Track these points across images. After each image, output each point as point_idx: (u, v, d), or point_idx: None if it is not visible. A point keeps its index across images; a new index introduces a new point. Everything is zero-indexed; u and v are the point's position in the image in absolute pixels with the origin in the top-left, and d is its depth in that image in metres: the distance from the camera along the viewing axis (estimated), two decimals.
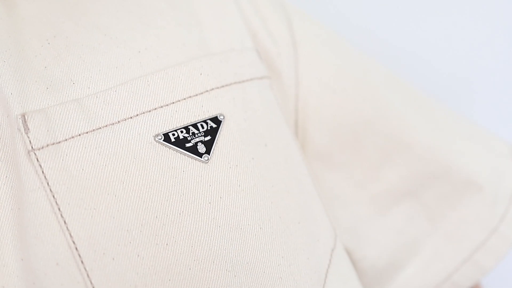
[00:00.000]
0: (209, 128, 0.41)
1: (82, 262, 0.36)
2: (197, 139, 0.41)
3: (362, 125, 0.51)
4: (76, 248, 0.36)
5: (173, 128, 0.40)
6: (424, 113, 0.54)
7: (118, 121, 0.39)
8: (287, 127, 0.47)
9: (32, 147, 0.37)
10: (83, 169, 0.38)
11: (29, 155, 0.37)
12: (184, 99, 0.41)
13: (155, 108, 0.40)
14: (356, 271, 0.55)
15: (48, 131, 0.38)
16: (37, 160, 0.37)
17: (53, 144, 0.38)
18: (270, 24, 0.50)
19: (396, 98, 0.54)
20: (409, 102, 0.54)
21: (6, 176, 0.37)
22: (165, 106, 0.41)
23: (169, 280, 0.37)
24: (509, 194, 0.57)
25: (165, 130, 0.40)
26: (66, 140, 0.38)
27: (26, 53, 0.41)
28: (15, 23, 0.42)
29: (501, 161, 0.57)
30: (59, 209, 0.37)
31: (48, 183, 0.37)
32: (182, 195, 0.39)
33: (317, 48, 0.51)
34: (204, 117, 0.42)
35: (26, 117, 0.38)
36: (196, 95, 0.42)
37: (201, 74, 0.42)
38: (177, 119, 0.41)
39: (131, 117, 0.40)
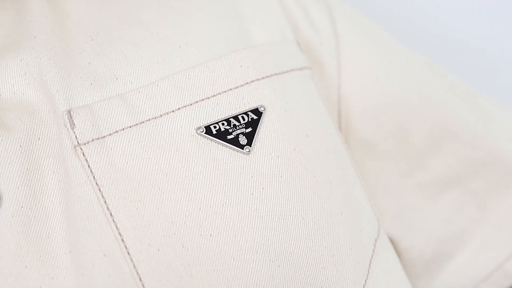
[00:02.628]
0: (250, 120, 0.42)
1: (128, 253, 0.37)
2: (239, 131, 0.41)
3: (407, 113, 0.51)
4: (122, 240, 0.37)
5: (214, 121, 0.41)
6: (468, 101, 0.54)
7: (161, 115, 0.40)
8: (330, 117, 0.47)
9: (78, 142, 0.38)
10: (127, 163, 0.38)
11: (76, 150, 0.38)
12: (225, 91, 0.42)
13: (197, 101, 0.41)
14: (404, 260, 0.55)
15: (93, 126, 0.39)
16: (83, 154, 0.38)
17: (98, 138, 0.39)
18: (311, 14, 0.50)
19: (440, 86, 0.53)
20: (453, 90, 0.53)
21: (54, 171, 0.39)
22: (206, 99, 0.41)
23: (214, 270, 0.38)
24: None
25: (206, 123, 0.41)
26: (110, 134, 0.39)
27: (71, 49, 0.42)
28: (59, 20, 0.43)
29: None
30: (105, 202, 0.38)
31: (94, 177, 0.38)
32: (224, 186, 0.39)
33: (358, 37, 0.51)
34: (245, 109, 0.42)
35: (71, 113, 0.39)
36: (237, 87, 0.42)
37: (241, 66, 0.43)
38: (218, 111, 0.41)
39: (173, 111, 0.40)
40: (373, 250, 0.45)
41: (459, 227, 0.55)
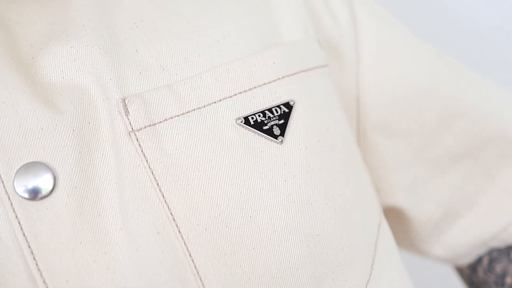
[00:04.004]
0: (282, 112, 0.46)
1: (179, 231, 0.41)
2: (273, 122, 0.45)
3: (419, 96, 0.56)
4: (174, 219, 0.41)
5: (252, 112, 0.45)
6: (473, 84, 0.60)
7: (204, 106, 0.44)
8: (342, 112, 0.52)
9: (132, 129, 0.41)
10: (176, 149, 0.42)
11: (130, 136, 0.41)
12: (260, 85, 0.46)
13: (236, 94, 0.45)
14: (414, 224, 0.61)
15: (145, 113, 0.42)
16: (137, 140, 0.41)
17: (150, 125, 0.42)
18: (332, 6, 0.54)
19: (448, 72, 0.59)
20: (458, 75, 0.59)
21: (103, 154, 0.42)
22: (244, 92, 0.45)
23: (253, 248, 0.42)
24: None
25: (245, 114, 0.44)
26: (161, 122, 0.42)
27: (117, 36, 0.44)
28: (104, 6, 0.46)
29: None
30: (157, 184, 0.41)
31: (147, 161, 0.41)
32: (262, 173, 0.43)
33: (376, 25, 0.56)
34: (277, 102, 0.46)
35: (126, 101, 0.42)
36: (270, 82, 0.46)
37: (274, 63, 0.47)
38: (254, 104, 0.45)
39: (215, 102, 0.44)
40: (377, 234, 0.50)
41: (468, 193, 0.61)
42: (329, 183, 0.46)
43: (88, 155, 0.41)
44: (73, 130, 0.41)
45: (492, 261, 0.63)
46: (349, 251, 0.46)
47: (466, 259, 0.66)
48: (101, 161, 0.42)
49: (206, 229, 0.41)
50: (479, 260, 0.65)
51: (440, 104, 0.57)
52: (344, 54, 0.54)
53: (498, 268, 0.63)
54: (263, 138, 0.45)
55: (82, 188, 0.41)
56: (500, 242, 0.62)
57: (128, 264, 0.40)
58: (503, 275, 0.63)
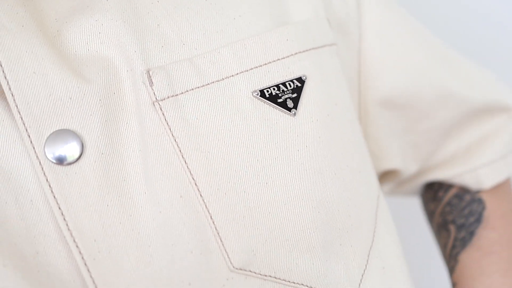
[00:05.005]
0: (295, 86, 0.48)
1: (201, 195, 0.43)
2: (286, 95, 0.48)
3: (418, 74, 0.60)
4: (196, 184, 0.43)
5: (267, 86, 0.47)
6: (462, 64, 0.65)
7: (223, 78, 0.46)
8: (347, 89, 0.55)
9: (156, 99, 0.44)
10: (197, 118, 0.44)
11: (154, 105, 0.44)
12: (274, 61, 0.48)
13: (252, 68, 0.47)
14: (398, 177, 0.67)
15: (168, 85, 0.44)
16: (161, 109, 0.44)
17: (173, 96, 0.44)
18: None
19: (441, 53, 0.63)
20: (450, 57, 0.64)
21: (127, 123, 0.43)
22: (259, 66, 0.47)
23: (269, 213, 0.44)
24: None
25: (260, 87, 0.47)
26: (182, 93, 0.44)
27: (139, 10, 0.46)
28: None
29: None
30: (180, 151, 0.43)
31: (170, 129, 0.43)
32: (276, 143, 0.46)
33: (379, 7, 0.59)
34: (291, 77, 0.48)
35: (150, 73, 0.44)
36: (284, 58, 0.49)
37: (287, 40, 0.49)
38: (269, 78, 0.48)
39: (232, 75, 0.46)
40: (377, 205, 0.53)
41: (440, 146, 0.67)
42: (338, 155, 0.49)
43: (113, 124, 0.44)
44: (100, 99, 0.43)
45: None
46: (355, 219, 0.49)
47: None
48: (125, 129, 0.44)
49: (225, 193, 0.44)
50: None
51: (438, 81, 0.61)
52: (350, 32, 0.57)
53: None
54: (278, 111, 0.47)
55: (108, 155, 0.43)
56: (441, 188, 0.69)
57: (152, 226, 0.42)
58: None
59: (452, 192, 0.68)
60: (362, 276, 0.49)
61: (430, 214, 0.71)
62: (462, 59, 0.66)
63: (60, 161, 0.42)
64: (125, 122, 0.44)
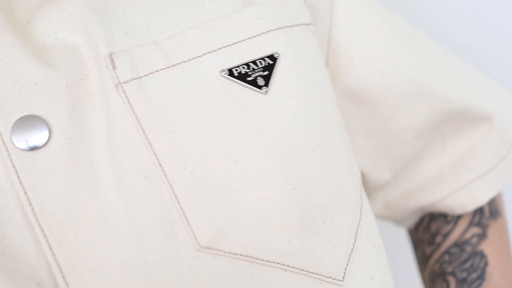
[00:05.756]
0: (266, 64, 0.48)
1: (165, 175, 0.43)
2: (257, 73, 0.47)
3: (389, 68, 0.58)
4: (160, 164, 0.43)
5: (236, 65, 0.47)
6: (441, 63, 0.62)
7: (189, 59, 0.46)
8: (326, 71, 0.53)
9: (119, 81, 0.44)
10: (162, 99, 0.44)
11: (117, 88, 0.44)
12: (245, 40, 0.48)
13: (220, 48, 0.47)
14: (370, 186, 0.64)
15: (131, 67, 0.44)
16: (124, 92, 0.44)
17: (136, 78, 0.44)
18: None
19: (421, 50, 0.60)
20: (431, 54, 0.61)
21: (95, 108, 0.44)
22: (228, 46, 0.47)
23: (239, 190, 0.44)
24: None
25: (229, 66, 0.46)
26: (147, 75, 0.44)
27: None
28: None
29: (508, 109, 0.65)
30: (143, 132, 0.43)
31: (134, 111, 0.43)
32: (246, 120, 0.45)
33: None
34: (262, 55, 0.48)
35: (113, 56, 0.44)
36: (255, 36, 0.48)
37: (258, 18, 0.48)
38: (239, 57, 0.47)
39: (199, 56, 0.46)
40: (360, 185, 0.52)
41: (419, 160, 0.64)
42: (316, 131, 0.48)
43: (81, 109, 0.44)
44: (66, 85, 0.44)
45: (431, 220, 0.67)
46: (338, 196, 0.47)
47: (408, 222, 0.69)
48: (93, 115, 0.44)
49: (191, 172, 0.43)
50: (421, 220, 0.68)
51: (409, 77, 0.58)
52: (319, 20, 0.56)
53: (433, 227, 0.66)
54: (247, 89, 0.46)
55: (76, 139, 0.43)
56: (437, 210, 0.65)
57: (119, 208, 0.42)
58: (435, 234, 0.65)
59: (451, 239, 0.64)
60: (350, 255, 0.47)
61: (424, 257, 0.67)
62: (449, 59, 0.63)
63: (28, 146, 0.43)
64: (93, 108, 0.44)
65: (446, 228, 0.65)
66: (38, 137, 0.43)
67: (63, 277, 0.41)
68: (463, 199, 0.63)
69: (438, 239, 0.65)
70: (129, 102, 0.44)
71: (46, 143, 0.43)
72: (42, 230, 0.41)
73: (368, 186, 0.64)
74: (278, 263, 0.44)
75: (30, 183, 0.42)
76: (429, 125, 0.61)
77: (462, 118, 0.61)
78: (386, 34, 0.58)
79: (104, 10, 0.46)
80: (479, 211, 0.65)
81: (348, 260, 0.47)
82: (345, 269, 0.47)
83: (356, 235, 0.48)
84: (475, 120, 0.62)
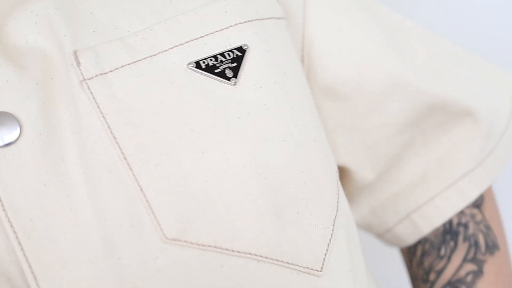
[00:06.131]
0: (235, 56, 0.47)
1: (130, 169, 0.42)
2: (225, 65, 0.47)
3: (365, 61, 0.56)
4: (125, 158, 0.42)
5: (203, 57, 0.46)
6: (424, 54, 0.59)
7: (155, 54, 0.45)
8: (300, 64, 0.53)
9: (83, 78, 0.44)
10: (127, 94, 0.44)
11: (82, 85, 0.44)
12: (212, 33, 0.47)
13: (187, 42, 0.46)
14: (350, 186, 0.62)
15: (96, 64, 0.44)
16: (88, 88, 0.44)
17: (101, 74, 0.44)
18: None
19: (397, 41, 0.58)
20: (408, 45, 0.59)
21: (66, 106, 0.44)
22: (195, 39, 0.47)
23: (207, 181, 0.43)
24: (501, 131, 0.61)
25: (196, 59, 0.46)
26: (112, 71, 0.44)
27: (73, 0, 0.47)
28: None
29: (499, 101, 0.62)
30: (109, 127, 0.43)
31: (98, 106, 0.43)
32: (214, 111, 0.45)
33: None
34: (230, 47, 0.47)
35: (77, 53, 0.44)
36: (222, 29, 0.48)
37: (225, 12, 0.48)
38: (206, 50, 0.47)
39: (166, 50, 0.46)
40: (337, 177, 0.50)
41: (404, 159, 0.61)
42: (288, 122, 0.47)
43: (51, 107, 0.44)
44: (37, 83, 0.44)
45: (423, 254, 0.63)
46: (313, 186, 0.46)
47: (398, 236, 0.65)
48: (63, 112, 0.44)
49: (157, 165, 0.43)
50: (413, 251, 0.64)
51: (386, 71, 0.57)
52: (292, 15, 0.55)
53: (426, 262, 0.62)
54: (215, 80, 0.46)
55: (47, 136, 0.43)
56: (424, 218, 0.62)
57: (88, 203, 0.42)
58: (429, 271, 0.62)
59: (445, 277, 0.61)
60: (328, 245, 0.46)
61: None
62: (436, 50, 0.60)
63: (3, 144, 0.43)
64: (63, 106, 0.44)
65: (440, 265, 0.61)
66: (9, 133, 0.43)
67: (32, 272, 0.41)
68: (452, 197, 0.61)
69: (432, 276, 0.62)
70: (93, 98, 0.44)
71: (17, 139, 0.43)
72: (12, 226, 0.41)
73: (352, 187, 0.62)
74: (250, 253, 0.43)
75: (0, 179, 0.42)
76: (409, 121, 0.59)
77: (443, 112, 0.59)
78: (362, 27, 0.57)
79: (71, 10, 0.47)
80: (474, 245, 0.61)
81: (326, 250, 0.46)
82: (323, 259, 0.45)
83: (333, 226, 0.47)
84: (458, 115, 0.60)
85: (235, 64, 0.47)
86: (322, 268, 0.45)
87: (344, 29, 0.56)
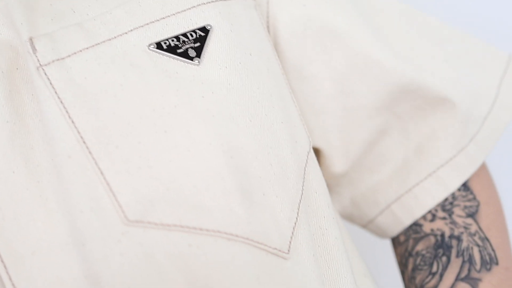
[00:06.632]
0: (198, 36, 0.46)
1: (90, 152, 0.41)
2: (188, 45, 0.45)
3: (332, 39, 0.54)
4: (84, 142, 0.41)
5: (164, 38, 0.45)
6: (401, 34, 0.57)
7: (115, 37, 0.44)
8: (269, 43, 0.51)
9: (40, 64, 0.43)
10: (85, 78, 0.43)
11: (38, 71, 0.42)
12: (174, 14, 0.46)
13: (147, 23, 0.45)
14: (326, 173, 0.59)
15: (53, 49, 0.43)
16: (45, 74, 0.42)
17: (58, 60, 0.43)
18: None
19: (375, 18, 0.56)
20: (387, 23, 0.57)
21: (33, 94, 0.43)
22: (156, 21, 0.45)
23: (170, 161, 0.41)
24: (483, 116, 0.58)
25: (157, 40, 0.45)
26: (69, 56, 0.43)
27: None
28: None
29: (482, 84, 0.58)
30: (67, 111, 0.42)
31: (56, 92, 0.42)
32: (176, 91, 0.43)
33: None
34: (193, 28, 0.46)
35: (33, 40, 0.43)
36: (184, 10, 0.46)
37: None
38: (168, 31, 0.45)
39: (126, 33, 0.45)
40: (307, 160, 0.48)
41: (381, 148, 0.58)
42: (253, 102, 0.46)
43: (17, 95, 0.43)
44: (2, 72, 0.44)
45: (414, 268, 0.58)
46: (279, 168, 0.45)
47: (376, 229, 0.62)
48: (30, 100, 0.43)
49: (117, 147, 0.41)
50: (405, 264, 0.60)
51: (352, 48, 0.54)
52: None
53: (418, 278, 0.57)
54: (178, 61, 0.45)
55: (13, 123, 0.42)
56: (404, 209, 0.58)
57: (56, 189, 0.41)
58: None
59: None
60: (294, 229, 0.44)
61: None
62: (415, 30, 0.57)
63: None
64: (30, 94, 0.44)
65: (431, 283, 0.56)
66: None
67: (2, 261, 0.40)
68: (431, 187, 0.57)
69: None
70: (51, 83, 0.42)
71: None
72: None
73: (328, 174, 0.59)
74: (219, 231, 0.41)
75: None
76: (381, 104, 0.56)
77: (417, 97, 0.56)
78: (331, 2, 0.54)
79: (32, 3, 0.46)
80: (468, 260, 0.55)
81: (292, 233, 0.44)
82: (290, 242, 0.44)
83: (298, 209, 0.45)
84: (433, 100, 0.56)
85: (198, 44, 0.45)
86: (289, 250, 0.43)
87: (309, 4, 0.54)
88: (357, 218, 0.62)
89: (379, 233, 0.62)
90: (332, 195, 0.61)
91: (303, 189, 0.46)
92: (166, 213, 0.40)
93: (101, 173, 0.40)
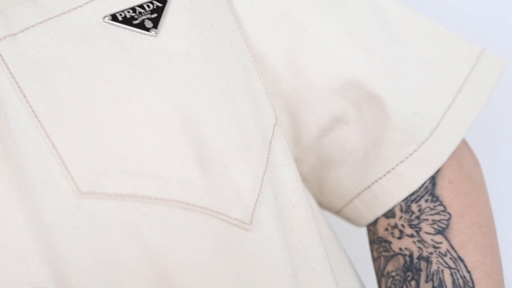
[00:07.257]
0: (155, 7, 0.45)
1: (41, 126, 0.40)
2: (144, 17, 0.44)
3: (284, 21, 0.51)
4: (36, 116, 0.40)
5: (120, 10, 0.44)
6: (355, 27, 0.53)
7: (69, 10, 0.43)
8: (234, 20, 0.50)
9: None
10: (38, 52, 0.42)
11: None
12: None
13: None
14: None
15: (5, 25, 0.42)
16: None
17: (10, 35, 0.42)
18: None
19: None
20: (344, 11, 0.53)
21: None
22: None
23: (125, 131, 0.40)
24: (443, 111, 0.53)
25: (112, 12, 0.44)
26: (22, 31, 0.42)
27: None
28: None
29: (442, 79, 0.54)
30: (18, 86, 0.41)
31: (8, 68, 0.41)
32: (132, 61, 0.42)
33: None
34: None
35: None
36: None
37: None
38: (123, 2, 0.44)
39: (80, 6, 0.44)
40: (273, 133, 0.47)
41: (342, 138, 0.54)
42: (213, 73, 0.44)
43: None
44: None
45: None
46: (240, 140, 0.43)
47: (346, 218, 0.59)
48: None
49: (69, 119, 0.40)
50: (379, 282, 0.55)
51: (302, 25, 0.51)
52: None
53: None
54: (133, 32, 0.44)
55: None
56: (365, 204, 0.54)
57: (14, 166, 0.40)
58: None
59: None
60: (257, 200, 0.43)
61: None
62: (376, 23, 0.53)
63: None
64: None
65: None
66: None
67: None
68: (391, 185, 0.52)
69: None
70: (2, 59, 0.41)
71: None
72: None
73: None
74: (176, 200, 0.40)
75: None
76: (328, 86, 0.51)
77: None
78: None
79: None
80: (439, 285, 0.50)
81: (255, 205, 0.43)
82: (252, 214, 0.42)
83: (262, 181, 0.44)
84: (361, 98, 0.52)
85: (155, 15, 0.44)
86: (251, 221, 0.42)
87: None
88: (326, 206, 0.59)
89: (351, 222, 0.59)
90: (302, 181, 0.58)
91: (267, 161, 0.45)
92: (120, 184, 0.39)
93: (53, 146, 0.39)
